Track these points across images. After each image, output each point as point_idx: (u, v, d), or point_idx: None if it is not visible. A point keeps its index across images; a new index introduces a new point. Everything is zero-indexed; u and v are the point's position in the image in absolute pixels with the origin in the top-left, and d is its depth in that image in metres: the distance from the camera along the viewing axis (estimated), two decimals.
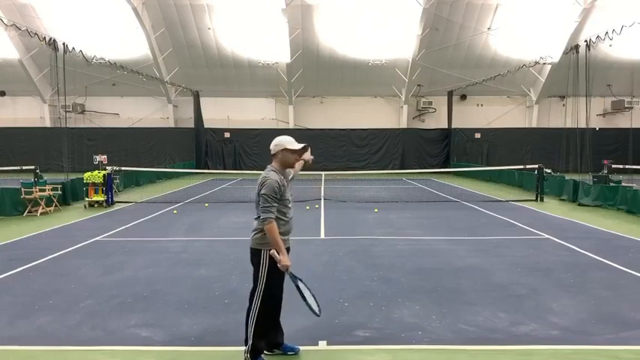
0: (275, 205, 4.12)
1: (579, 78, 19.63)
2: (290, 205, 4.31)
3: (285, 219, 4.25)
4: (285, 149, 4.24)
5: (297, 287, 4.22)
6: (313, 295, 4.30)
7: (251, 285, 4.36)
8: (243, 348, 4.58)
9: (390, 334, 5.03)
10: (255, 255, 4.25)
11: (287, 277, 4.30)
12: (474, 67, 29.73)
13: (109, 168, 16.08)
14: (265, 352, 4.48)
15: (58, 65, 17.81)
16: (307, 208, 13.99)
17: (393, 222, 12.21)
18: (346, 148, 31.93)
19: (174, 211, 14.08)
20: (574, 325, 5.25)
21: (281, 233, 4.16)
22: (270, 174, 4.20)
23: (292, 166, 4.38)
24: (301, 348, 4.64)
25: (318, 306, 4.29)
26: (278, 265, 4.11)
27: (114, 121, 32.40)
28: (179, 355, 4.60)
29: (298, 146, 4.27)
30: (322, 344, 4.77)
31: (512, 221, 12.30)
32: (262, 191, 4.12)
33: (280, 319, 4.58)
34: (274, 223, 4.07)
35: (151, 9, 26.21)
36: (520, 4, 25.58)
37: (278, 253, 4.09)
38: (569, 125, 24.14)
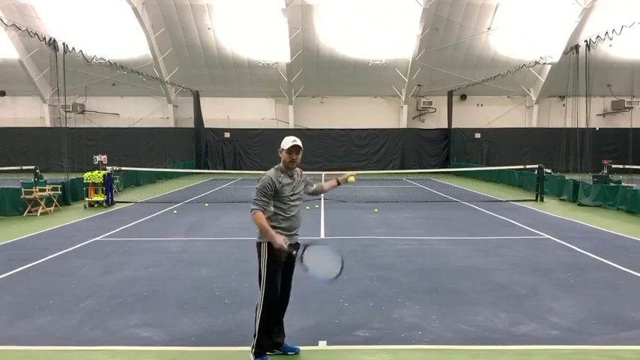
0: (264, 199, 4.29)
1: (579, 78, 19.62)
2: (292, 203, 4.42)
3: (284, 215, 4.37)
4: (282, 149, 4.40)
5: (301, 260, 4.30)
6: (331, 256, 4.39)
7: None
8: (245, 348, 4.60)
9: (390, 334, 5.03)
10: (257, 248, 4.40)
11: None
12: (474, 67, 29.72)
13: (109, 168, 16.07)
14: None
15: (58, 65, 17.81)
16: (307, 207, 14.01)
17: (393, 222, 12.21)
18: (346, 148, 31.92)
19: (175, 211, 14.08)
20: (574, 325, 5.25)
21: (282, 228, 4.33)
22: (269, 171, 4.42)
23: (287, 166, 4.38)
24: (301, 348, 4.63)
25: (342, 266, 4.35)
26: (276, 247, 4.19)
27: (114, 121, 32.39)
28: (179, 355, 4.60)
29: (287, 145, 4.36)
30: (322, 344, 4.77)
31: (512, 221, 12.30)
32: (256, 185, 4.36)
33: (283, 320, 4.60)
34: (259, 214, 4.25)
35: (151, 9, 26.21)
36: (520, 4, 25.56)
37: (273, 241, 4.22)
38: (569, 125, 24.14)
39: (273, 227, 4.29)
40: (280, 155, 4.43)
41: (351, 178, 4.88)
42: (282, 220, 4.35)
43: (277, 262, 4.31)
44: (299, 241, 4.58)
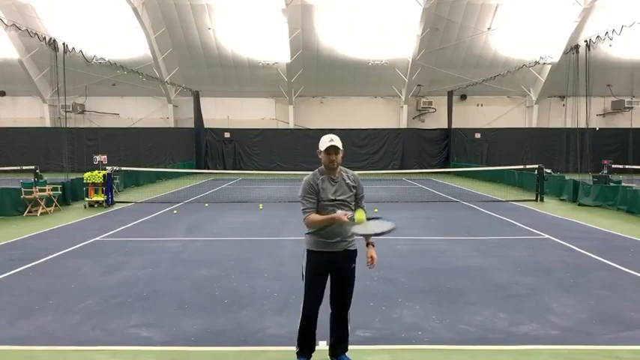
0: (308, 202, 4.11)
1: (579, 78, 19.62)
2: (332, 209, 4.09)
3: None
4: (320, 151, 4.16)
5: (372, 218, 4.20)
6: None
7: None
8: (244, 348, 4.64)
9: (390, 334, 5.04)
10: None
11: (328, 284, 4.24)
12: (474, 67, 29.72)
13: (109, 168, 16.06)
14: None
15: (58, 65, 17.80)
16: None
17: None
18: (346, 148, 31.86)
19: (175, 211, 14.07)
20: (574, 325, 5.25)
21: (320, 235, 4.10)
22: (308, 175, 4.24)
23: (327, 167, 4.17)
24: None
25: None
26: (338, 219, 3.96)
27: (114, 121, 32.39)
28: (179, 355, 4.60)
29: (324, 146, 4.13)
30: (322, 344, 4.75)
31: (512, 221, 12.29)
32: (298, 193, 4.21)
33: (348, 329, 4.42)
34: (310, 215, 4.07)
35: (151, 9, 26.21)
36: (520, 4, 25.57)
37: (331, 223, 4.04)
38: (569, 125, 24.14)
39: (311, 233, 4.14)
40: (320, 157, 4.19)
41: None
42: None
43: (317, 269, 4.16)
44: (349, 248, 4.22)
